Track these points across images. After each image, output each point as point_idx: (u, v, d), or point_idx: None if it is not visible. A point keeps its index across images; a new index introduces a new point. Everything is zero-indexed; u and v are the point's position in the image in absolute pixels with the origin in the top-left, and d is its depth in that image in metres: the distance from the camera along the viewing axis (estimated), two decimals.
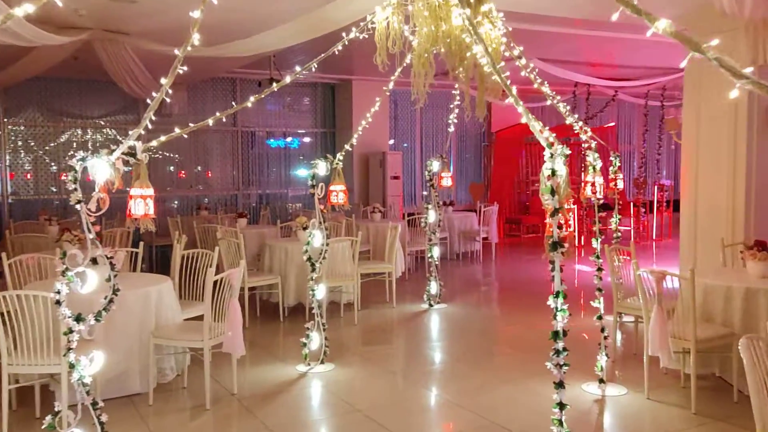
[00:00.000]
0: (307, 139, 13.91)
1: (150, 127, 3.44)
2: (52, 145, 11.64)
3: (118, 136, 12.09)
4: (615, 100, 12.95)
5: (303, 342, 5.43)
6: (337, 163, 5.52)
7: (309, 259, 5.45)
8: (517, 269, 10.67)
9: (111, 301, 3.60)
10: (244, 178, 13.06)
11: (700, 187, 6.63)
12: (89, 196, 3.49)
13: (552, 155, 2.82)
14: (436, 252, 7.79)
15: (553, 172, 2.82)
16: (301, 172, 13.92)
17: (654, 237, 13.48)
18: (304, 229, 7.47)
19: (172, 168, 12.79)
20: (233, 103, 12.39)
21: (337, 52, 4.48)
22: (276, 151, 13.70)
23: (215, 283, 4.55)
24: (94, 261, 3.56)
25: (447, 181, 7.79)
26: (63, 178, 11.74)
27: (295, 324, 7.08)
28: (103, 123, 12.03)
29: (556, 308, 3.02)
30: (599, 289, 4.86)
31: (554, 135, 2.99)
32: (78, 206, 3.40)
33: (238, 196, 13.03)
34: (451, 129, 7.35)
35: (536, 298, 8.51)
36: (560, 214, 2.85)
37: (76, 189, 3.37)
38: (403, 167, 13.29)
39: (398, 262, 7.98)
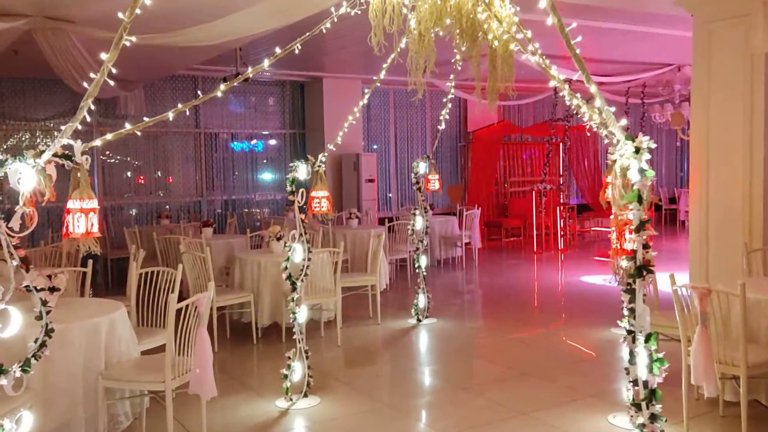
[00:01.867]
0: (273, 141, 13.09)
1: (88, 119, 2.65)
2: None
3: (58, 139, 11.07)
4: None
5: (284, 374, 4.69)
6: (319, 166, 4.79)
7: (289, 277, 4.70)
8: (503, 276, 10.08)
9: (43, 344, 2.81)
10: (207, 183, 12.18)
11: (712, 185, 6.09)
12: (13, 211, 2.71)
13: (638, 150, 2.15)
14: (424, 261, 7.11)
15: (642, 172, 2.16)
16: (266, 176, 13.10)
17: None
18: (278, 239, 6.72)
19: (129, 173, 11.83)
20: (199, 95, 11.63)
21: (324, 30, 3.75)
22: (240, 154, 12.83)
23: (179, 311, 3.77)
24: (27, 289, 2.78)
25: (435, 184, 7.12)
26: None
27: (270, 346, 6.33)
28: (51, 125, 11.01)
29: (652, 357, 2.32)
30: (631, 310, 4.22)
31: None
32: None
33: (202, 202, 12.14)
34: (442, 126, 6.67)
35: (530, 310, 7.93)
36: (647, 229, 2.19)
37: None
38: (377, 170, 12.59)
39: (382, 274, 7.27)
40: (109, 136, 2.93)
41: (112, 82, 2.65)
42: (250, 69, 3.48)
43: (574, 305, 7.99)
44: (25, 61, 8.15)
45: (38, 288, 2.78)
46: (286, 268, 4.69)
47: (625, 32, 8.64)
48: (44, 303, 2.82)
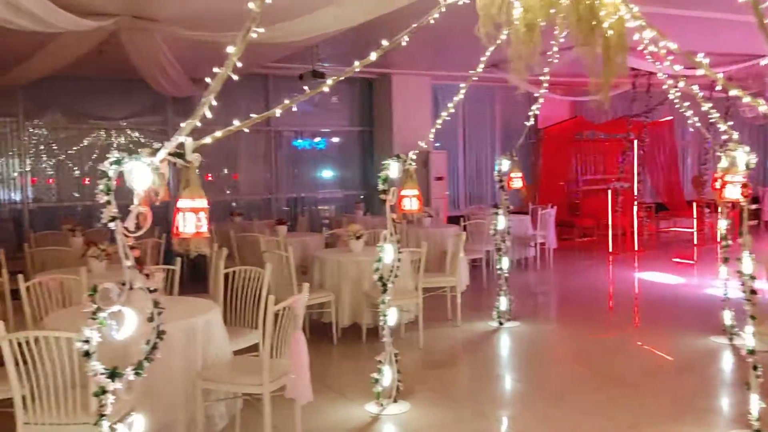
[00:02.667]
0: (338, 139, 13.03)
1: (209, 115, 2.56)
2: (75, 148, 10.90)
3: (142, 139, 11.32)
4: (678, 91, 11.86)
5: (374, 378, 4.55)
6: (410, 164, 4.63)
7: (380, 278, 4.56)
8: (582, 277, 9.70)
9: (155, 347, 2.74)
10: (275, 180, 12.22)
11: None
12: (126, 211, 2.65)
13: None
14: (506, 263, 6.87)
15: None
16: (331, 174, 13.06)
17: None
18: (358, 238, 6.62)
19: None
20: (269, 94, 11.79)
21: (432, 21, 3.58)
22: (306, 151, 12.85)
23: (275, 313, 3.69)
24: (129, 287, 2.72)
25: (518, 183, 6.85)
26: (86, 183, 11.13)
27: (350, 347, 6.23)
28: (125, 124, 11.27)
29: None
30: (752, 317, 3.90)
31: None
32: (112, 224, 2.54)
33: (272, 200, 12.19)
34: (531, 122, 6.41)
35: (613, 314, 7.55)
36: None
37: (109, 202, 2.51)
38: (447, 167, 12.37)
39: (461, 275, 7.06)
40: (218, 134, 2.85)
41: (234, 77, 2.54)
42: (357, 63, 3.33)
43: (663, 309, 7.59)
44: (108, 61, 8.32)
45: (151, 289, 2.71)
46: (377, 269, 4.55)
47: (711, 21, 8.14)
48: (156, 304, 2.75)
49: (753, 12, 2.73)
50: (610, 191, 11.74)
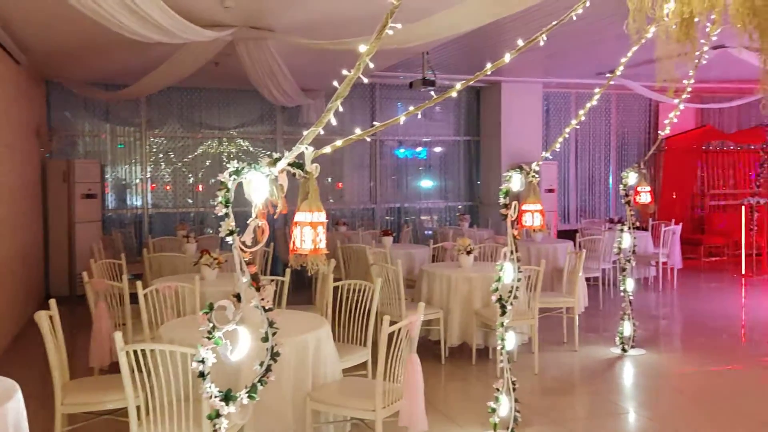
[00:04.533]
0: (438, 149, 12.75)
1: (333, 122, 2.36)
2: (189, 156, 11.33)
3: (251, 148, 11.58)
4: None
5: (491, 407, 4.21)
6: (533, 176, 4.27)
7: (500, 299, 4.22)
8: (710, 302, 8.83)
9: (269, 369, 2.57)
10: (380, 190, 12.12)
11: None
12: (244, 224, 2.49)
13: None
14: (631, 284, 6.30)
15: None
16: (433, 184, 12.78)
17: None
18: (468, 253, 6.30)
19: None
20: (377, 103, 11.76)
21: (575, 17, 3.23)
22: (409, 161, 12.66)
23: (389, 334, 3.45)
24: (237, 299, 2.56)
25: (646, 197, 6.28)
26: (199, 189, 11.53)
27: (458, 368, 5.91)
28: (235, 134, 11.57)
29: None
30: None
31: None
32: (230, 239, 2.39)
33: (375, 210, 12.10)
34: (666, 131, 5.84)
35: (754, 345, 6.73)
36: None
37: (227, 215, 2.36)
38: (558, 179, 11.78)
39: (580, 295, 6.55)
40: (339, 143, 2.65)
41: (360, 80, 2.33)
42: (489, 64, 3.04)
43: None
44: (222, 71, 8.53)
45: (266, 308, 2.55)
46: (496, 289, 4.21)
47: None
48: (271, 324, 2.59)
49: None
50: (743, 207, 10.67)
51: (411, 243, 9.94)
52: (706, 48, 4.10)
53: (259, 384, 2.57)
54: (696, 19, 3.21)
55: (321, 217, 2.67)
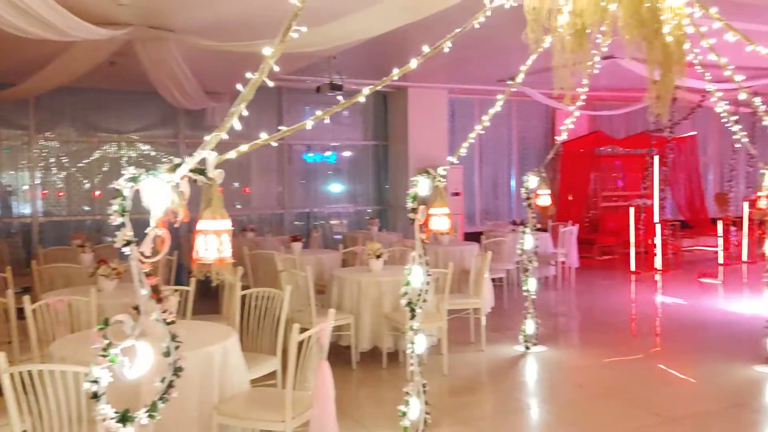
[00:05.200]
0: (347, 153, 12.79)
1: (237, 127, 2.29)
2: (85, 161, 10.70)
3: (152, 152, 11.10)
4: (702, 106, 11.58)
5: (402, 411, 4.23)
6: (439, 180, 4.34)
7: (409, 303, 4.25)
8: (605, 298, 9.34)
9: (171, 385, 2.45)
10: (286, 195, 11.96)
11: None
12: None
13: None
14: (533, 284, 6.56)
15: None
16: (343, 189, 12.80)
17: (746, 259, 12.02)
18: (378, 257, 6.32)
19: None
20: (283, 106, 11.59)
21: (477, 25, 3.31)
22: (317, 165, 12.61)
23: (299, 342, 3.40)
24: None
25: (546, 200, 6.55)
26: (96, 196, 10.92)
27: (369, 373, 5.91)
28: (136, 137, 11.06)
29: None
30: None
31: None
32: (127, 249, 2.26)
33: (284, 215, 11.92)
34: (563, 137, 6.12)
35: (650, 339, 7.16)
36: None
37: (124, 224, 2.23)
38: (463, 183, 12.09)
39: (486, 296, 6.74)
40: (244, 147, 2.58)
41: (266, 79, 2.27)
42: (396, 69, 3.06)
43: (695, 334, 7.23)
44: (119, 72, 8.13)
45: (168, 321, 2.43)
46: (405, 293, 4.25)
47: (753, 33, 7.84)
48: (173, 337, 2.47)
49: None
50: (632, 208, 11.40)
51: (321, 248, 9.87)
52: (597, 58, 4.33)
53: (160, 402, 2.45)
54: (588, 31, 3.39)
55: (225, 224, 2.59)
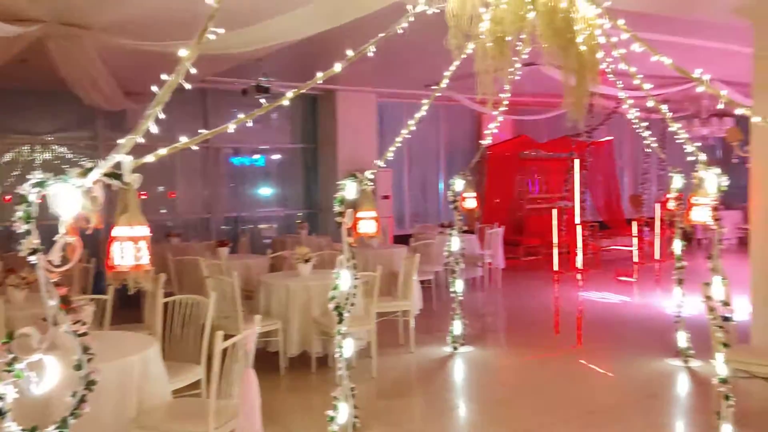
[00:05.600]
0: (280, 156, 12.66)
1: (154, 129, 2.21)
2: None
3: (69, 155, 10.59)
4: (617, 112, 12.14)
5: (330, 416, 4.20)
6: (367, 184, 4.35)
7: (337, 307, 4.24)
8: (530, 298, 9.63)
9: (83, 400, 2.34)
10: (213, 199, 11.68)
11: None
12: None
13: None
14: (460, 285, 6.67)
15: None
16: (272, 192, 12.64)
17: (658, 258, 12.66)
18: (306, 261, 6.28)
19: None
20: (208, 109, 11.33)
21: (401, 31, 3.33)
22: (246, 169, 12.39)
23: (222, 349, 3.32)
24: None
25: (471, 203, 6.68)
26: (7, 201, 10.31)
27: (298, 378, 5.85)
28: (51, 139, 10.52)
29: None
30: (724, 344, 3.79)
31: None
32: (33, 258, 2.14)
33: (211, 220, 11.64)
34: (488, 141, 6.26)
35: (574, 337, 7.42)
36: None
37: (29, 231, 2.12)
38: (392, 186, 12.18)
39: (415, 298, 6.81)
40: (163, 151, 2.49)
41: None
42: (319, 74, 3.03)
43: (613, 330, 7.56)
44: (32, 71, 7.71)
45: (79, 333, 2.32)
46: (333, 297, 4.22)
47: (656, 43, 8.28)
48: (85, 350, 2.35)
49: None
50: (555, 210, 11.79)
51: (249, 253, 9.69)
52: (518, 65, 4.46)
53: (71, 417, 2.33)
54: (508, 38, 3.48)
55: (143, 231, 2.49)
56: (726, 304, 3.76)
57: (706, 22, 6.68)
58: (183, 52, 2.20)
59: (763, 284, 5.72)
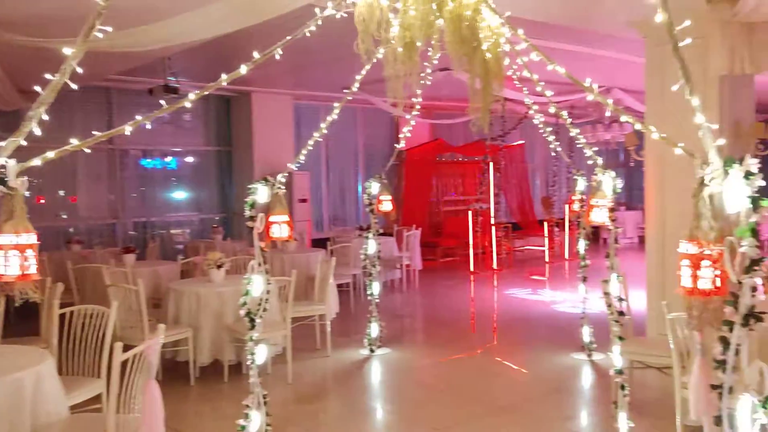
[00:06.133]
0: (193, 159, 12.29)
1: (38, 132, 2.07)
2: None
3: None
4: (527, 117, 12.57)
5: (241, 425, 4.09)
6: (278, 187, 4.28)
7: (248, 313, 4.14)
8: (446, 298, 9.79)
9: None
10: (120, 203, 11.16)
11: (668, 201, 6.05)
12: None
13: (748, 175, 1.84)
14: (377, 288, 6.69)
15: (756, 203, 1.84)
16: (185, 196, 12.26)
17: (567, 257, 13.23)
18: (218, 267, 6.11)
19: (27, 193, 10.58)
20: (113, 108, 10.80)
21: (308, 34, 3.29)
22: (155, 172, 11.94)
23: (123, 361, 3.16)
24: None
25: (387, 205, 6.73)
26: None
27: (210, 388, 5.68)
28: None
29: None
30: (620, 338, 3.98)
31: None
32: None
33: (117, 225, 11.12)
34: (402, 144, 6.31)
35: (488, 335, 7.58)
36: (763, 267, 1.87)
37: None
38: (310, 189, 12.09)
39: (331, 302, 6.77)
40: (51, 154, 2.34)
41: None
42: (224, 75, 2.95)
43: (525, 328, 7.81)
44: None
45: None
46: (244, 303, 4.12)
47: (558, 52, 8.64)
48: None
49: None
50: (470, 212, 12.08)
51: (159, 260, 9.34)
52: (429, 70, 4.53)
53: None
54: (418, 43, 3.52)
55: (30, 238, 2.34)
56: (621, 299, 3.96)
57: (611, 34, 7.04)
58: (67, 51, 2.08)
59: (657, 280, 6.07)
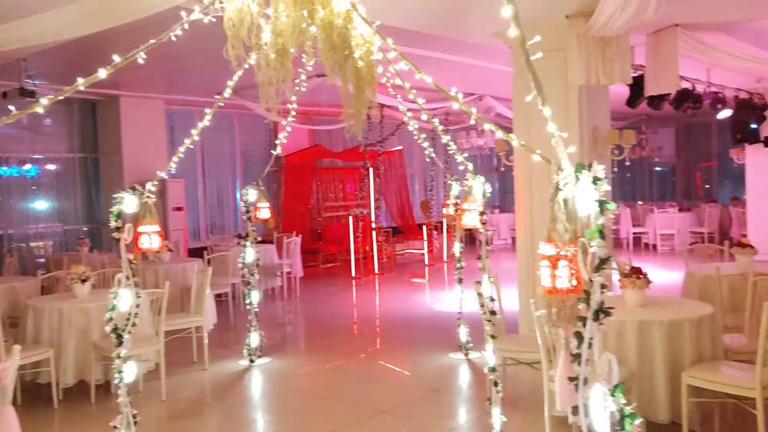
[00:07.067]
0: (55, 166, 11.44)
1: None
2: None
3: None
4: (405, 123, 12.88)
5: None
6: (148, 196, 4.08)
7: (115, 329, 3.90)
8: (328, 304, 9.78)
9: None
10: None
11: (535, 204, 6.45)
12: None
13: (596, 180, 1.97)
14: (256, 297, 6.56)
15: (603, 206, 1.97)
16: (47, 206, 11.37)
17: (446, 259, 13.70)
18: (83, 281, 5.73)
19: None
20: None
21: (174, 38, 3.15)
22: (12, 180, 10.99)
23: None
24: None
25: (265, 213, 6.62)
26: None
27: (75, 411, 5.31)
28: None
29: (624, 412, 2.09)
30: (492, 336, 4.18)
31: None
32: None
33: None
34: (278, 150, 6.23)
35: (369, 340, 7.68)
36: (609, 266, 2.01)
37: None
38: (186, 197, 11.64)
39: (208, 313, 6.55)
40: None
41: None
42: (80, 80, 2.76)
43: (406, 330, 7.97)
44: None
45: None
46: (110, 319, 3.89)
47: (434, 60, 8.94)
48: None
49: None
50: (351, 217, 12.18)
51: (18, 275, 8.58)
52: (304, 76, 4.52)
53: None
54: (291, 50, 3.50)
55: None
56: (493, 299, 4.17)
57: (481, 44, 7.37)
58: None
59: (527, 279, 6.45)
